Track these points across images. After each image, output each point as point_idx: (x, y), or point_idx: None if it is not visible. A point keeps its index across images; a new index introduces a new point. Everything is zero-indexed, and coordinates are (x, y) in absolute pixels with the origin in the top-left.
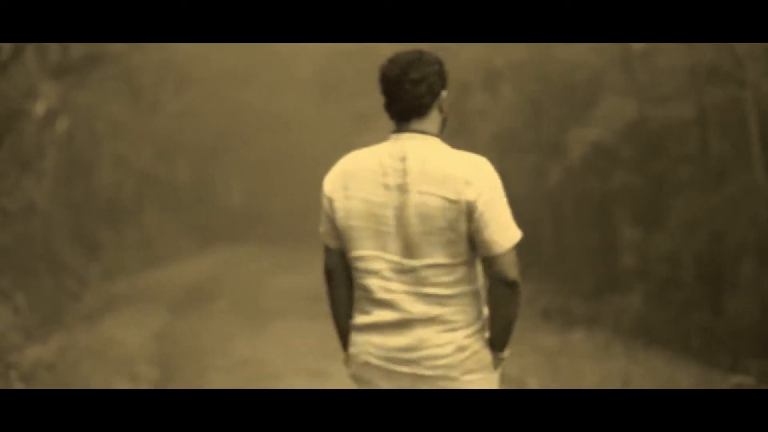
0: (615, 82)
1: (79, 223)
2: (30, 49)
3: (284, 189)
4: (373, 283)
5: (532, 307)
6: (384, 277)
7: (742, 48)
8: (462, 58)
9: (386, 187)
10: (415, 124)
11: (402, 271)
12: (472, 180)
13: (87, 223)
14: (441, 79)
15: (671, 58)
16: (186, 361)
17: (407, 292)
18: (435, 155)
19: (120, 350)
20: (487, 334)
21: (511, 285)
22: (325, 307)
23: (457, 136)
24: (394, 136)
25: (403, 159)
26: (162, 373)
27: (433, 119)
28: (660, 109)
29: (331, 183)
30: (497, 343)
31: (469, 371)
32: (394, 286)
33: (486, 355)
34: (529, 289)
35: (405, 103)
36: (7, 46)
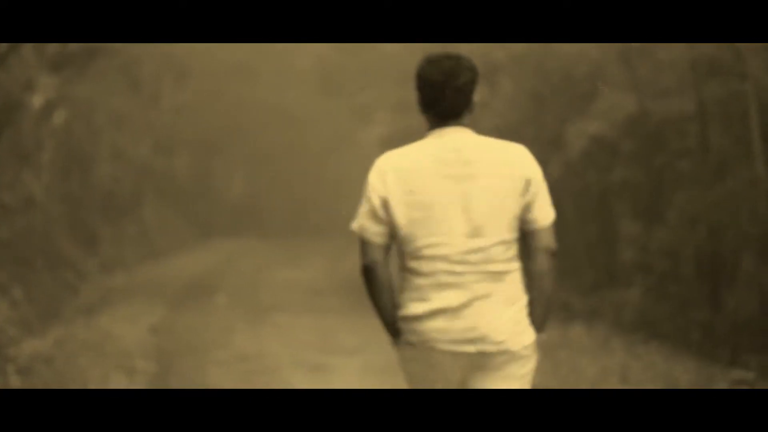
0: (615, 76)
1: (77, 217)
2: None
3: (285, 182)
4: (439, 267)
5: None
6: (451, 261)
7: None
8: (461, 52)
9: (446, 176)
10: (453, 122)
11: (470, 251)
12: (525, 162)
13: (85, 217)
14: (475, 84)
15: (671, 52)
16: (184, 355)
17: (472, 272)
18: (485, 144)
19: (118, 344)
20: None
21: (553, 255)
22: (325, 301)
23: None
24: (438, 132)
25: (458, 150)
26: (160, 368)
27: (466, 116)
28: (660, 103)
29: (383, 182)
30: (538, 321)
31: (524, 346)
32: (460, 268)
33: (532, 332)
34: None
35: (446, 108)
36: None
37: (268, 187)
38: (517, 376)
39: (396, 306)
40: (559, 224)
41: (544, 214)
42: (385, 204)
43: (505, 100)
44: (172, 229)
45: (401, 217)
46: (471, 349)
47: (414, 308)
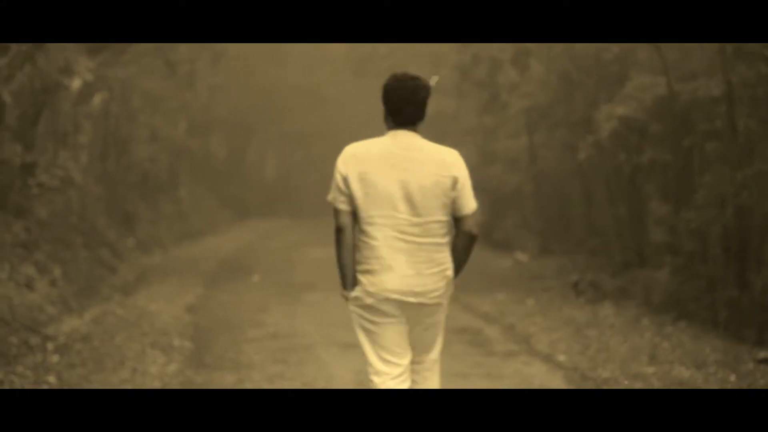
0: (644, 59)
1: (114, 197)
2: None
3: (318, 163)
4: (387, 233)
5: (562, 280)
6: (396, 230)
7: None
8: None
9: (392, 166)
10: (408, 127)
11: (412, 224)
12: (456, 165)
13: (122, 197)
14: (428, 99)
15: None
16: (219, 333)
17: (413, 241)
18: (428, 147)
19: (154, 322)
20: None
21: (474, 237)
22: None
23: (488, 110)
24: (394, 133)
25: (406, 148)
26: (195, 346)
27: (418, 124)
28: (688, 86)
29: (345, 164)
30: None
31: (447, 300)
32: (403, 236)
33: (452, 287)
34: (559, 263)
35: (408, 117)
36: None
37: (300, 167)
38: (441, 319)
39: (355, 262)
40: (589, 205)
41: (469, 203)
42: (346, 180)
43: (536, 82)
44: (208, 210)
45: (357, 190)
46: (413, 300)
47: (371, 265)
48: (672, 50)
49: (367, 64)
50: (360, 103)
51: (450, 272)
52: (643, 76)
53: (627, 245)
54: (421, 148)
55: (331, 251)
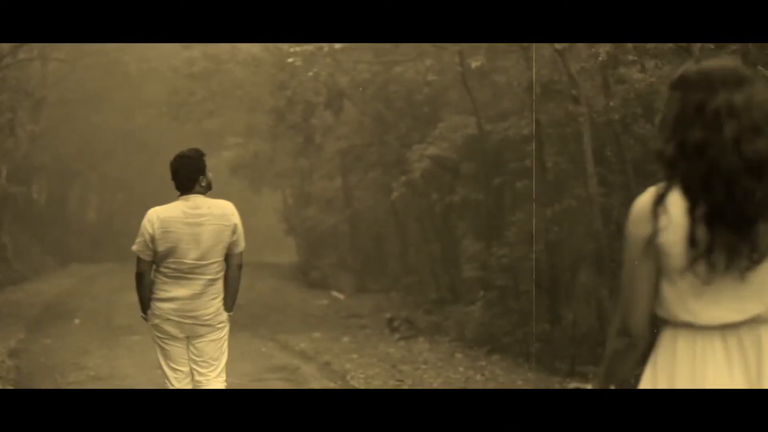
0: (455, 100)
1: None
2: None
3: (138, 207)
4: (177, 275)
5: (377, 317)
6: (184, 272)
7: (575, 66)
8: (305, 78)
9: (186, 223)
10: (192, 192)
11: (197, 267)
12: (234, 215)
13: None
14: (202, 170)
15: (508, 76)
16: (41, 377)
17: (195, 279)
18: (211, 203)
19: None
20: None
21: (240, 268)
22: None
23: (303, 152)
24: (185, 197)
25: (196, 207)
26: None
27: (198, 188)
28: (499, 126)
29: (151, 224)
30: (228, 305)
31: (220, 321)
32: (189, 275)
33: (224, 313)
34: (375, 300)
35: (186, 185)
36: None
37: (122, 211)
38: (216, 338)
39: (150, 293)
40: (403, 243)
41: (241, 243)
42: (152, 238)
43: (350, 124)
44: (30, 255)
45: (159, 245)
46: (189, 321)
47: (161, 294)
48: (482, 91)
49: (185, 108)
50: (179, 146)
51: (219, 298)
52: (455, 116)
53: (441, 282)
54: (207, 204)
55: None
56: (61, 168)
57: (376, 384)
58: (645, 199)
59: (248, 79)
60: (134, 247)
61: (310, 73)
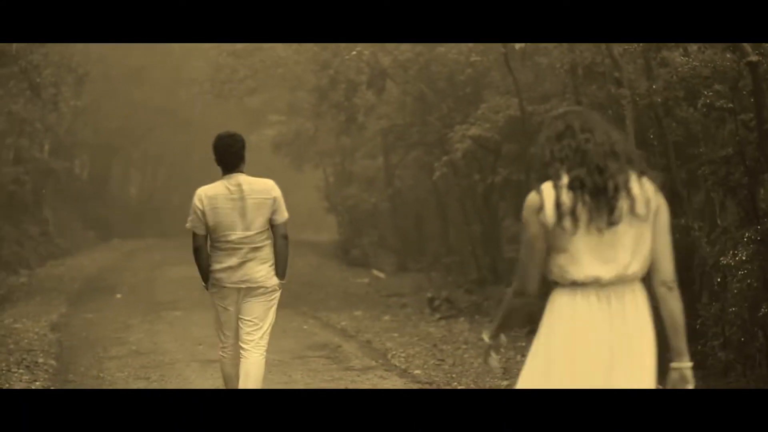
0: (497, 81)
1: None
2: None
3: (180, 183)
4: (228, 246)
5: (418, 297)
6: (234, 243)
7: (618, 48)
8: (348, 57)
9: (231, 199)
10: (234, 171)
11: (244, 237)
12: (273, 188)
13: None
14: (244, 150)
15: (551, 58)
16: (82, 351)
17: (243, 248)
18: (252, 180)
19: (20, 341)
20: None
21: (286, 237)
22: None
23: (345, 131)
24: (227, 176)
25: (237, 185)
26: (59, 363)
27: (241, 166)
28: (540, 107)
29: (200, 201)
30: (280, 273)
31: (271, 285)
32: (238, 245)
33: (275, 278)
34: (415, 280)
35: (230, 164)
36: None
37: (163, 188)
38: (265, 300)
39: (209, 265)
40: (444, 223)
41: (283, 214)
42: (203, 213)
43: (392, 103)
44: (72, 230)
45: (209, 220)
46: (244, 285)
47: (217, 266)
48: (525, 72)
49: (228, 85)
50: (222, 125)
51: (272, 265)
52: (497, 97)
53: (481, 262)
54: (248, 182)
55: (194, 269)
56: (103, 144)
57: (417, 363)
58: (532, 194)
59: (291, 58)
60: (188, 225)
61: (354, 52)
